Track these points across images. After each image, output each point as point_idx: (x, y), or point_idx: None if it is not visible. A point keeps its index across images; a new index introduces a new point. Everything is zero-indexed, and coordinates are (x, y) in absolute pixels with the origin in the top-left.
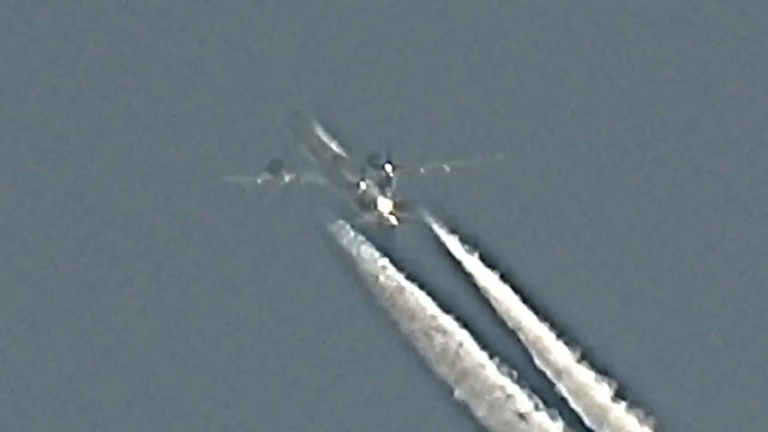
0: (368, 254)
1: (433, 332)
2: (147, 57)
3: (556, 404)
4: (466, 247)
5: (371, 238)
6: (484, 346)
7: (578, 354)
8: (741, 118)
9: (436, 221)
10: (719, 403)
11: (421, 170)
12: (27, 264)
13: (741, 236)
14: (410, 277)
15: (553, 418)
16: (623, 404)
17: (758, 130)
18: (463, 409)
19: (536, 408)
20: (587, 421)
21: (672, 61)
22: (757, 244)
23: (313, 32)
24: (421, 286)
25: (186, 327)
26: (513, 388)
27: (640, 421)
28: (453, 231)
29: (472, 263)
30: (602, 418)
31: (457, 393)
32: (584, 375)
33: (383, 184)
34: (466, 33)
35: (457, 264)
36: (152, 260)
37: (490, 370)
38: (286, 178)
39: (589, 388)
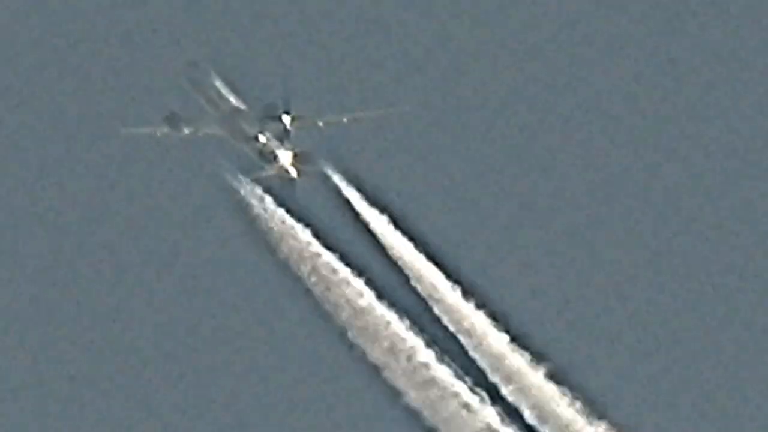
0: (269, 207)
1: (333, 284)
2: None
3: (455, 352)
4: (366, 199)
5: (271, 191)
6: (380, 296)
7: (476, 303)
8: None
9: (337, 173)
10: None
11: (320, 123)
12: None
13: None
14: (311, 230)
15: (449, 366)
16: (512, 345)
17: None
18: (362, 357)
19: (438, 359)
20: (485, 368)
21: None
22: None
23: None
24: (321, 239)
25: (82, 281)
26: (409, 336)
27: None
28: (353, 183)
29: (372, 216)
30: (498, 364)
31: (351, 336)
32: (483, 323)
33: (282, 137)
34: None
35: (357, 216)
36: (52, 216)
37: (392, 323)
38: (185, 131)
39: (488, 336)
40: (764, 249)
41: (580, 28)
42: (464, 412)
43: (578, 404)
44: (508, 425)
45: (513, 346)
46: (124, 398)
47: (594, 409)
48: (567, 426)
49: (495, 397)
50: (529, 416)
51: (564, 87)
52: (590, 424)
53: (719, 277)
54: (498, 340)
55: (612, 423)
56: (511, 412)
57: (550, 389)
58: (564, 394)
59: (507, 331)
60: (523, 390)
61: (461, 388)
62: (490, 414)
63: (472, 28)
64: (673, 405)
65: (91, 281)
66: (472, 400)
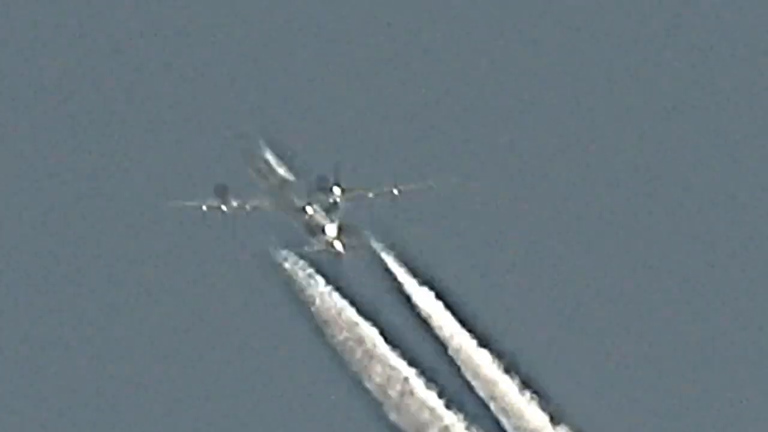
0: (314, 282)
1: (375, 362)
2: (99, 75)
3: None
4: (413, 274)
5: (318, 265)
6: (423, 374)
7: (520, 384)
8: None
9: (384, 247)
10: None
11: (370, 194)
12: None
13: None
14: (356, 305)
15: None
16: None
17: None
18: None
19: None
20: None
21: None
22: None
23: (261, 54)
24: (367, 315)
25: (128, 354)
26: (445, 411)
27: None
28: (400, 258)
29: (419, 292)
30: None
31: (394, 418)
32: (531, 410)
33: (330, 209)
34: (416, 56)
35: (404, 292)
36: (97, 287)
37: (428, 398)
38: (233, 203)
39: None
40: None
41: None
42: None
43: None
44: None
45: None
46: None
47: None
48: None
49: None
50: None
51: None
52: None
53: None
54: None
55: None
56: None
57: None
58: None
59: (552, 418)
60: None
61: None
62: None
63: (519, 104)
64: None
65: (133, 352)
66: None
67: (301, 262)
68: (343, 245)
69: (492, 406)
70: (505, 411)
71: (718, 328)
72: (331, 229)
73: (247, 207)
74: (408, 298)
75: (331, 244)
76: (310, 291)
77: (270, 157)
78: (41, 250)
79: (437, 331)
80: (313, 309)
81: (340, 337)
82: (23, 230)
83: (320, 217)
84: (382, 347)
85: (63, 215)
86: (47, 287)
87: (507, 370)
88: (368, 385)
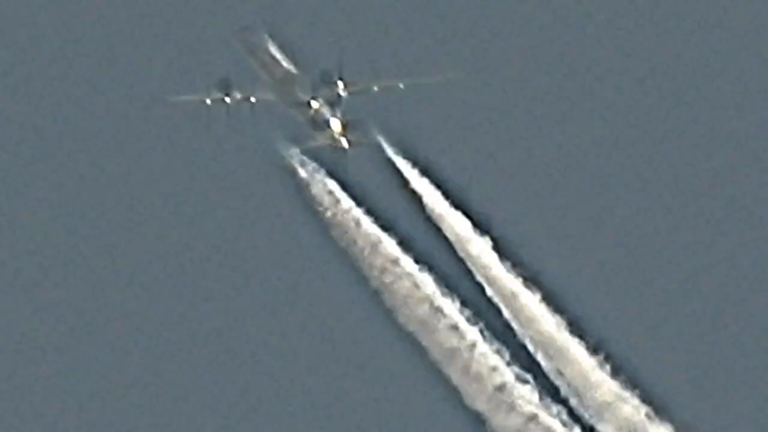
0: (318, 177)
1: (377, 255)
2: None
3: (503, 336)
4: (418, 169)
5: (322, 160)
6: (430, 269)
7: (526, 278)
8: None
9: (388, 142)
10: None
11: (375, 88)
12: None
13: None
14: (360, 202)
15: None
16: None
17: None
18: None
19: (482, 335)
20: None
21: None
22: None
23: None
24: (371, 211)
25: (129, 257)
26: (454, 311)
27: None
28: (404, 153)
29: (423, 187)
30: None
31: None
32: (533, 302)
33: (334, 103)
34: None
35: (409, 187)
36: (96, 186)
37: (435, 296)
38: (237, 96)
39: (539, 318)
40: None
41: None
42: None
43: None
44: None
45: (564, 328)
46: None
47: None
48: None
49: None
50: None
51: (619, 53)
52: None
53: None
54: (547, 321)
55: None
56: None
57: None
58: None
59: (560, 312)
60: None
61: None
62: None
63: None
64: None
65: (139, 249)
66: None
67: (305, 157)
68: (348, 140)
69: (493, 296)
70: (503, 297)
71: None
72: (335, 124)
73: (252, 100)
74: (412, 192)
75: (336, 139)
76: (314, 186)
77: (273, 49)
78: (37, 146)
79: (440, 224)
80: (316, 204)
81: (343, 231)
82: (12, 129)
83: (325, 111)
84: (385, 240)
85: (62, 110)
86: (42, 186)
87: (510, 260)
88: (369, 276)
